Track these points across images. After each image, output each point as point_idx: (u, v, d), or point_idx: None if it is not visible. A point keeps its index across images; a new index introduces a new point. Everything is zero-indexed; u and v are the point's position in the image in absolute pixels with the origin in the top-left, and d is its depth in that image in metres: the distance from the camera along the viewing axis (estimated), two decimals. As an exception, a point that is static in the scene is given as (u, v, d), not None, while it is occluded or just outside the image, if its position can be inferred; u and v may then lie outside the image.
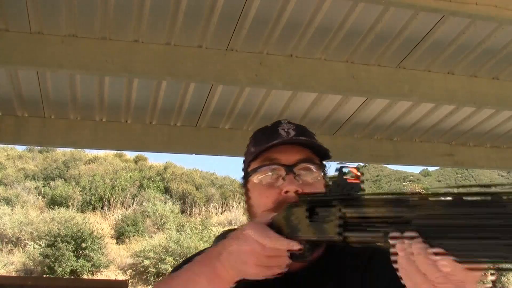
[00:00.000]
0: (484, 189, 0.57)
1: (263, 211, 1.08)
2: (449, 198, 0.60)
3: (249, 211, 1.15)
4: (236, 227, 1.20)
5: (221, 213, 22.55)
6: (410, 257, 0.63)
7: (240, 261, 0.91)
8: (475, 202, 0.56)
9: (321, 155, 1.16)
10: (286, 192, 1.07)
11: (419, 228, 0.62)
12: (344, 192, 0.78)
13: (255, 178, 1.13)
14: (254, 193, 1.13)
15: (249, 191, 1.15)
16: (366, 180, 53.96)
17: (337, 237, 0.78)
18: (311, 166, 1.11)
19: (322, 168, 1.16)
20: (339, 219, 0.77)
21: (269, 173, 1.11)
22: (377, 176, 55.89)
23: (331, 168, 1.20)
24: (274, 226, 0.93)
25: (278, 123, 1.17)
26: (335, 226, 0.78)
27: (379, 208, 0.70)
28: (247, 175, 1.16)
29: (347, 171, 0.79)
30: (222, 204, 23.11)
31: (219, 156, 3.62)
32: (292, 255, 0.91)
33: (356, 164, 0.81)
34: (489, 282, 18.81)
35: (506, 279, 19.62)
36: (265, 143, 1.11)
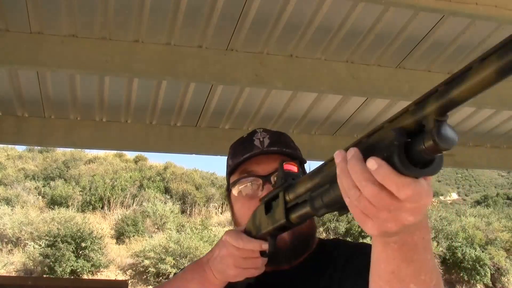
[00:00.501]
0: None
1: (245, 220, 1.13)
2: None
3: (235, 221, 1.22)
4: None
5: (221, 213, 22.55)
6: (345, 167, 0.66)
7: (222, 264, 1.02)
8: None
9: (299, 159, 1.18)
10: None
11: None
12: (287, 182, 0.90)
13: (235, 191, 1.17)
14: (236, 205, 1.19)
15: (233, 203, 1.20)
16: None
17: (284, 220, 0.88)
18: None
19: (303, 172, 1.17)
20: (282, 204, 0.89)
21: (247, 185, 1.15)
22: (377, 176, 55.87)
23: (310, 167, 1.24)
24: (246, 232, 1.04)
25: (254, 132, 1.20)
26: (281, 211, 0.89)
27: (305, 183, 0.81)
28: (228, 188, 1.21)
29: (285, 163, 0.93)
30: (222, 204, 23.10)
31: (219, 156, 3.63)
32: (263, 253, 1.01)
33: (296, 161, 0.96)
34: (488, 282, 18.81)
35: (506, 279, 19.62)
36: (240, 155, 1.16)
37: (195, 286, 1.08)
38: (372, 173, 0.61)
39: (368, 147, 0.66)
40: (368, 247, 1.19)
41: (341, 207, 0.72)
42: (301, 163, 1.20)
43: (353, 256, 1.10)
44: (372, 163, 0.61)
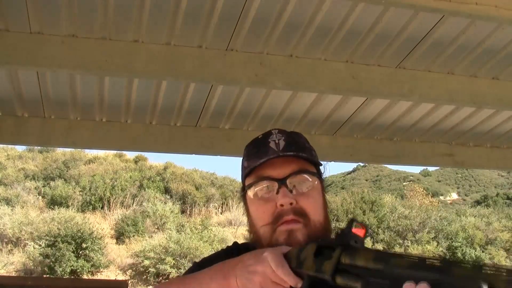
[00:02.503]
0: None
1: (262, 225, 1.13)
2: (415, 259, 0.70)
3: (250, 223, 1.20)
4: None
5: (221, 213, 22.56)
6: None
7: (249, 277, 1.00)
8: (439, 267, 0.66)
9: (314, 160, 1.18)
10: (281, 205, 1.10)
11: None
12: (348, 241, 0.89)
13: (251, 193, 1.16)
14: (252, 207, 1.17)
15: (248, 204, 1.19)
16: (366, 180, 53.89)
17: (329, 277, 0.88)
18: (304, 176, 1.14)
19: (318, 174, 1.18)
20: (335, 262, 0.88)
21: (263, 189, 1.14)
22: (377, 176, 55.95)
23: (327, 170, 1.24)
24: (287, 258, 1.02)
25: (269, 134, 1.19)
26: (331, 267, 0.88)
27: (367, 260, 0.81)
28: (243, 189, 1.20)
29: (355, 224, 0.91)
30: (222, 204, 23.12)
31: (219, 156, 3.63)
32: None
33: (364, 224, 0.93)
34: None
35: (506, 279, 19.59)
36: (256, 158, 1.15)
37: (215, 285, 1.07)
38: None
39: (445, 284, 0.64)
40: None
41: None
42: (316, 165, 1.19)
43: None
44: None
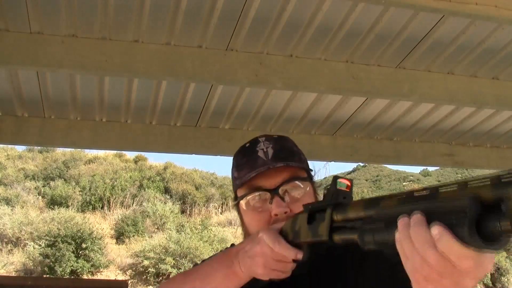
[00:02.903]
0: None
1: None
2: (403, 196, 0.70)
3: (244, 232, 1.21)
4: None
5: (221, 213, 22.55)
6: (408, 234, 0.66)
7: (251, 260, 1.02)
8: (427, 195, 0.66)
9: (304, 166, 1.19)
10: (276, 215, 1.11)
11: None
12: (337, 199, 0.91)
13: (244, 204, 1.17)
14: (246, 217, 1.19)
15: (242, 214, 1.20)
16: (366, 180, 53.90)
17: (326, 238, 0.89)
18: (295, 183, 1.15)
19: (308, 178, 1.19)
20: (328, 222, 0.89)
21: (255, 198, 1.15)
22: (377, 176, 55.97)
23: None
24: (282, 233, 1.03)
25: (256, 142, 1.20)
26: (326, 228, 0.89)
27: (358, 210, 0.82)
28: (236, 199, 1.21)
29: (340, 181, 0.93)
30: (222, 204, 23.12)
31: (219, 156, 3.62)
32: (295, 260, 1.01)
33: (348, 177, 0.96)
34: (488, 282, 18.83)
35: (506, 279, 19.63)
36: (246, 169, 1.16)
37: (220, 276, 1.08)
38: (435, 241, 0.62)
39: (435, 209, 0.64)
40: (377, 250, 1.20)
41: (389, 250, 0.71)
42: (307, 171, 1.20)
43: (368, 257, 1.09)
44: (435, 230, 0.62)
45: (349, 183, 0.93)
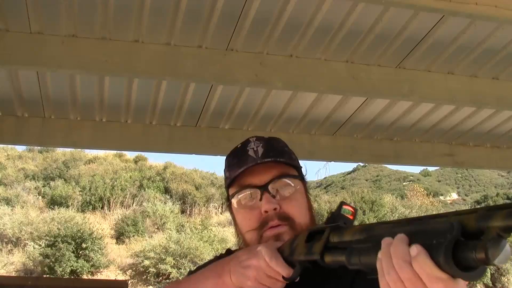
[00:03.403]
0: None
1: (248, 230, 1.15)
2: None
3: (237, 231, 1.22)
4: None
5: (221, 213, 22.56)
6: (388, 251, 0.68)
7: (244, 271, 1.03)
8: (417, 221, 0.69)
9: (294, 164, 1.19)
10: (266, 211, 1.12)
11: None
12: (337, 222, 0.92)
13: (235, 202, 1.18)
14: (237, 216, 1.19)
15: (234, 214, 1.21)
16: (366, 180, 53.91)
17: (318, 257, 0.90)
18: (285, 181, 1.15)
19: (299, 176, 1.20)
20: (324, 241, 0.90)
21: (246, 197, 1.16)
22: (377, 176, 55.97)
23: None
24: (280, 250, 1.03)
25: (247, 142, 1.21)
26: (320, 247, 0.90)
27: (352, 234, 0.83)
28: (228, 199, 1.22)
29: (344, 208, 0.95)
30: (222, 204, 23.09)
31: (219, 156, 3.62)
32: (285, 278, 1.02)
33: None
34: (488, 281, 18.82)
35: (506, 279, 19.63)
36: (236, 167, 1.17)
37: (210, 284, 1.09)
38: (411, 259, 0.63)
39: (419, 231, 0.66)
40: None
41: (372, 272, 0.73)
42: (296, 168, 1.21)
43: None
44: (413, 249, 0.63)
45: (353, 211, 0.95)
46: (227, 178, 1.20)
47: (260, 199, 1.13)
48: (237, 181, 1.17)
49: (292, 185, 1.16)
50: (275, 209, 1.11)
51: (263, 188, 1.13)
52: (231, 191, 1.19)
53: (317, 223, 1.20)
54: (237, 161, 1.18)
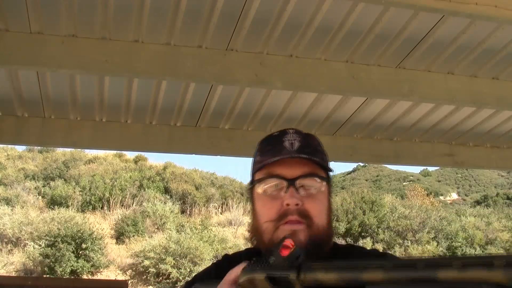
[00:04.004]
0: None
1: (266, 221, 1.14)
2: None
3: (253, 217, 1.21)
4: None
5: (221, 213, 22.55)
6: None
7: None
8: (409, 266, 0.66)
9: (325, 165, 1.19)
10: (287, 204, 1.11)
11: None
12: (292, 262, 0.88)
13: (260, 189, 1.17)
14: (258, 203, 1.19)
15: (254, 199, 1.20)
16: (366, 180, 53.87)
17: None
18: (313, 180, 1.15)
19: (327, 178, 1.19)
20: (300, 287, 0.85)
21: (272, 186, 1.15)
22: (377, 176, 55.95)
23: (333, 172, 1.25)
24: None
25: (284, 133, 1.21)
26: None
27: (330, 273, 0.79)
28: (252, 183, 1.21)
29: (279, 248, 0.91)
30: (222, 204, 23.12)
31: (219, 156, 3.62)
32: None
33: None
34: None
35: (506, 279, 19.59)
36: (269, 155, 1.16)
37: None
38: None
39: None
40: (380, 253, 1.19)
41: None
42: (326, 170, 1.21)
43: None
44: None
45: (289, 243, 0.91)
46: (258, 162, 1.20)
47: (285, 192, 1.13)
48: (266, 168, 1.16)
49: (319, 185, 1.16)
50: (297, 204, 1.11)
51: (291, 181, 1.13)
52: (258, 176, 1.19)
53: (333, 228, 1.20)
54: (271, 148, 1.18)
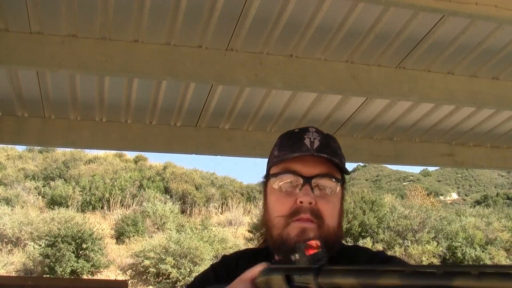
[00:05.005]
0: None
1: (278, 215, 1.14)
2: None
3: (265, 210, 1.20)
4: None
5: (221, 213, 22.56)
6: None
7: None
8: (426, 273, 0.65)
9: (342, 168, 1.19)
10: (301, 202, 1.11)
11: None
12: (313, 264, 0.88)
13: (275, 184, 1.17)
14: (272, 197, 1.18)
15: (268, 192, 1.20)
16: (366, 180, 53.89)
17: None
18: (329, 180, 1.15)
19: (342, 181, 1.19)
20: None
21: (287, 182, 1.15)
22: (377, 176, 55.97)
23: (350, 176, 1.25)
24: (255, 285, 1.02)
25: (305, 130, 1.21)
26: None
27: (348, 278, 0.78)
28: (267, 176, 1.21)
29: (305, 247, 0.90)
30: (222, 204, 23.13)
31: (219, 156, 3.62)
32: None
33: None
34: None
35: (506, 279, 19.59)
36: (288, 150, 1.16)
37: None
38: None
39: None
40: (386, 255, 1.18)
41: None
42: (342, 173, 1.20)
43: (372, 263, 1.10)
44: None
45: (315, 244, 0.91)
46: (275, 157, 1.19)
47: (300, 189, 1.13)
48: (284, 163, 1.16)
49: (334, 186, 1.16)
50: (310, 203, 1.11)
51: (307, 179, 1.13)
52: (274, 170, 1.19)
53: (343, 231, 1.20)
54: (291, 144, 1.17)
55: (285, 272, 0.94)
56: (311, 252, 0.89)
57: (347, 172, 1.20)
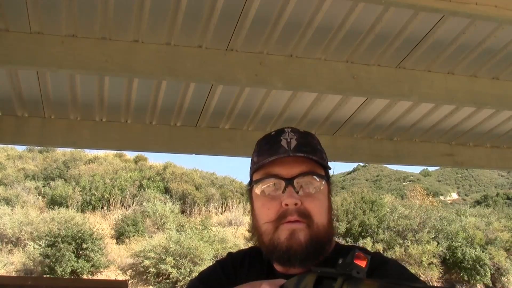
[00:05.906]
0: None
1: (265, 221, 1.13)
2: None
3: (253, 218, 1.20)
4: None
5: (221, 213, 22.56)
6: None
7: None
8: None
9: (324, 164, 1.18)
10: (286, 205, 1.10)
11: None
12: (350, 271, 0.87)
13: (258, 189, 1.16)
14: (257, 203, 1.18)
15: (254, 199, 1.19)
16: (366, 180, 53.85)
17: None
18: (311, 179, 1.14)
19: (326, 177, 1.18)
20: None
21: (270, 186, 1.14)
22: (377, 176, 55.95)
23: (333, 171, 1.23)
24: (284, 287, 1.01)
25: (281, 132, 1.19)
26: None
27: None
28: (250, 184, 1.20)
29: (358, 254, 0.89)
30: (222, 204, 23.12)
31: (219, 156, 3.62)
32: None
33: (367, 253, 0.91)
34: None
35: (506, 279, 19.61)
36: (266, 155, 1.15)
37: None
38: None
39: None
40: (383, 257, 1.17)
41: None
42: (325, 168, 1.19)
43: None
44: None
45: (365, 261, 0.90)
46: (255, 163, 1.19)
47: (283, 192, 1.12)
48: (264, 169, 1.15)
49: (318, 184, 1.15)
50: (296, 204, 1.10)
51: (289, 181, 1.12)
52: (256, 176, 1.18)
53: (334, 227, 1.19)
54: (268, 148, 1.16)
55: (321, 274, 0.94)
56: (357, 262, 0.88)
57: (328, 168, 1.19)
